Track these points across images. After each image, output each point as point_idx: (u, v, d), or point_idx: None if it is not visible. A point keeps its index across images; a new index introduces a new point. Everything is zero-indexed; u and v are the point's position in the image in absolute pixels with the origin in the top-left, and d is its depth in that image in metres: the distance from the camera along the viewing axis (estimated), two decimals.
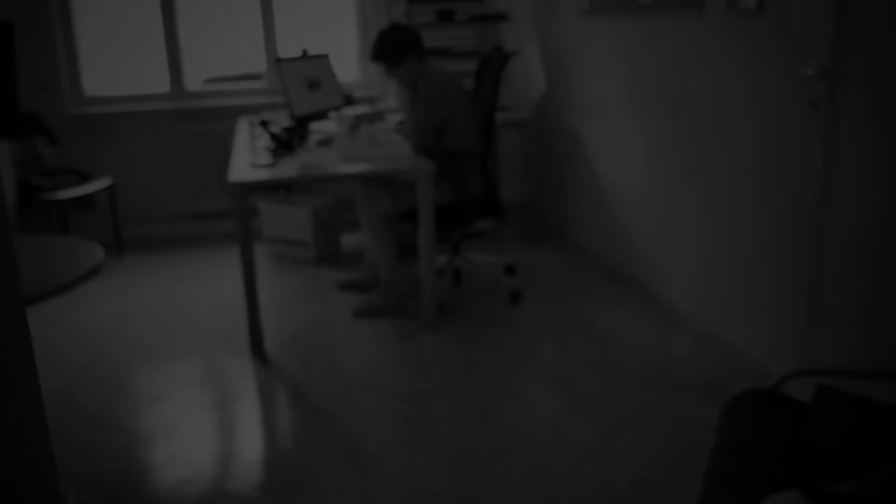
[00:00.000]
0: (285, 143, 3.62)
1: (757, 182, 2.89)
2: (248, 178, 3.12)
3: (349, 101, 4.62)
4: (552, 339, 3.35)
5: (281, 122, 4.09)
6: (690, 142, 3.30)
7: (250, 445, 2.62)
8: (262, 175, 3.17)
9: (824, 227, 2.57)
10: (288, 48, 5.06)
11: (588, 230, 4.43)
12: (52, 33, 4.65)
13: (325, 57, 4.32)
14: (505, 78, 4.73)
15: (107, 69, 4.94)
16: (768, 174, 2.82)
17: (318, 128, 4.18)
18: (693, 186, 3.32)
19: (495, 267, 4.17)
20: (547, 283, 3.99)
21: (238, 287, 4.10)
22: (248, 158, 3.50)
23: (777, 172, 2.78)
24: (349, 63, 5.23)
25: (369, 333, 3.46)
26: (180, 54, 4.93)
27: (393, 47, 3.58)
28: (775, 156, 2.78)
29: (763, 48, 2.78)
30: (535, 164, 5.11)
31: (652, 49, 3.55)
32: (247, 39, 5.06)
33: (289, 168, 3.27)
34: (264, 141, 3.83)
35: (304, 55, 4.13)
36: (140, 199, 4.99)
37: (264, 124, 3.64)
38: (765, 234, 2.88)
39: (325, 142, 3.77)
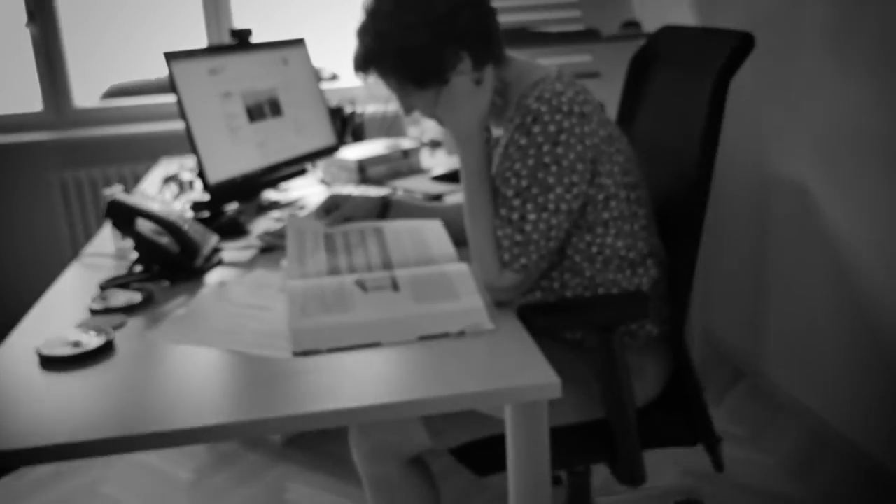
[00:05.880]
0: (177, 260, 1.48)
1: None
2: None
3: (351, 130, 2.48)
4: None
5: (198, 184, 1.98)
6: None
7: None
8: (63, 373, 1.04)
9: None
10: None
11: (820, 384, 2.24)
12: None
13: (299, 42, 2.18)
14: None
15: None
16: None
17: (289, 195, 2.07)
18: None
19: None
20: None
21: None
22: (92, 292, 1.41)
23: None
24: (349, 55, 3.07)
25: None
26: (63, 49, 2.91)
27: (407, 41, 1.33)
28: None
29: None
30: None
31: None
32: (181, 19, 3.00)
33: (152, 341, 1.13)
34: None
35: (241, 40, 1.97)
36: None
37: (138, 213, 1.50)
38: None
39: (276, 245, 1.62)
